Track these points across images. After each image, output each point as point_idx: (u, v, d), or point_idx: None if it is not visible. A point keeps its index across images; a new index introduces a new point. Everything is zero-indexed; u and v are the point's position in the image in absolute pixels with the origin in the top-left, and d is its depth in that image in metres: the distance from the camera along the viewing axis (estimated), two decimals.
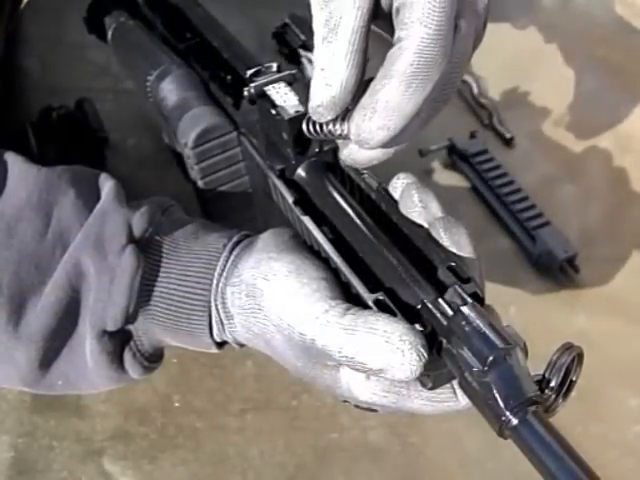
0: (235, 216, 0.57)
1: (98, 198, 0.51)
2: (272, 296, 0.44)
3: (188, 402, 0.66)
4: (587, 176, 0.87)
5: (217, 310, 0.48)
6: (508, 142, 0.89)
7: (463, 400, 0.42)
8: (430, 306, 0.41)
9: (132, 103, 0.82)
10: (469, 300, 0.40)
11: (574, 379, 0.38)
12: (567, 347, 0.38)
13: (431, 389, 0.42)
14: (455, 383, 0.42)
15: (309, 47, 0.88)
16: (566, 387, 0.38)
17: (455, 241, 0.43)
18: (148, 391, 0.66)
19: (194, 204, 0.58)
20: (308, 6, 0.45)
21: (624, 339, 0.74)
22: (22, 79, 0.83)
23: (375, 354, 0.40)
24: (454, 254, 0.43)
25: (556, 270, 0.79)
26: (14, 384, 0.51)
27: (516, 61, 0.93)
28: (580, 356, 0.38)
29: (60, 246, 0.49)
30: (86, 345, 0.49)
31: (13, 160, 0.52)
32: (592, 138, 0.91)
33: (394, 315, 0.41)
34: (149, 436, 0.65)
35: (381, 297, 0.42)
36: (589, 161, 0.89)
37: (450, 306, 0.40)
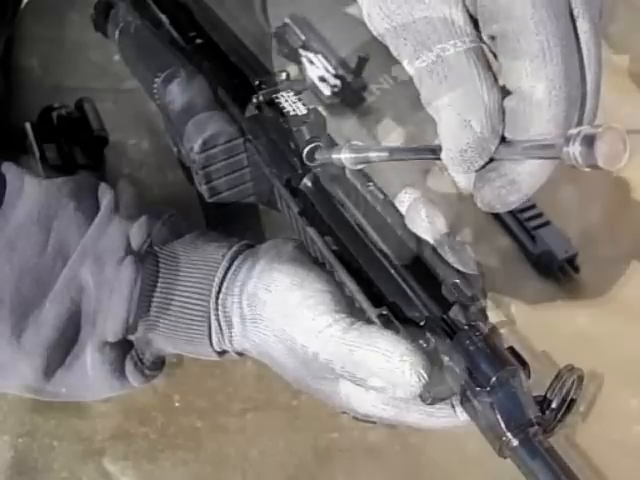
0: (237, 222, 0.57)
1: (98, 209, 0.51)
2: (274, 307, 0.44)
3: (188, 402, 0.66)
4: (587, 176, 0.87)
5: (217, 319, 0.48)
6: None
7: (462, 416, 0.43)
8: (434, 323, 0.41)
9: (132, 103, 0.82)
10: (473, 319, 0.40)
11: (574, 399, 0.39)
12: (568, 369, 0.39)
13: (430, 404, 0.42)
14: (454, 399, 0.42)
15: (309, 47, 0.88)
16: (566, 408, 0.39)
17: (460, 258, 0.43)
18: (148, 391, 0.66)
19: (195, 206, 0.58)
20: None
21: (624, 339, 0.74)
22: (22, 79, 0.83)
23: (376, 372, 0.41)
24: (458, 271, 0.43)
25: (556, 270, 0.79)
26: (20, 391, 0.51)
27: None
28: (581, 378, 0.39)
29: (60, 260, 0.49)
30: (87, 356, 0.49)
31: (14, 173, 0.52)
32: None
33: (397, 330, 0.41)
34: (149, 436, 0.65)
35: (385, 312, 0.42)
36: None
37: (454, 324, 0.40)
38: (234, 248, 0.49)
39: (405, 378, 0.40)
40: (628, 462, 0.67)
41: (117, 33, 0.65)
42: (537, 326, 0.73)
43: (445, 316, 0.41)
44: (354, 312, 0.44)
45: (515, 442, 0.37)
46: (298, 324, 0.43)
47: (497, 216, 0.83)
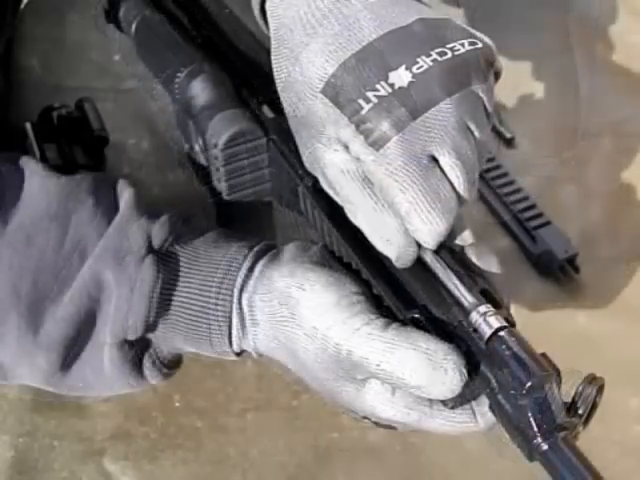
0: (249, 222, 0.57)
1: (116, 206, 0.51)
2: (308, 306, 0.44)
3: (189, 402, 0.66)
4: (587, 176, 0.87)
5: (239, 318, 0.48)
6: (508, 142, 0.89)
7: (482, 422, 0.43)
8: (467, 327, 0.41)
9: (132, 103, 0.82)
10: (506, 325, 0.41)
11: (596, 406, 0.40)
12: (592, 378, 0.40)
13: (452, 408, 0.43)
14: (475, 404, 0.43)
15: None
16: (587, 414, 0.40)
17: (487, 264, 0.45)
18: (148, 391, 0.66)
19: (196, 205, 0.58)
20: None
21: (624, 339, 0.74)
22: (22, 79, 0.83)
23: (416, 370, 0.41)
24: (485, 279, 0.44)
25: (556, 270, 0.79)
26: (38, 384, 0.52)
27: (517, 61, 0.93)
28: (602, 387, 0.40)
29: (78, 255, 0.49)
30: (104, 353, 0.49)
31: (33, 169, 0.52)
32: (592, 138, 0.91)
33: (429, 332, 0.42)
34: (149, 436, 0.65)
35: (417, 315, 0.43)
36: (589, 161, 0.89)
37: (483, 322, 0.41)
38: (256, 248, 0.49)
39: (448, 376, 0.40)
40: (628, 462, 0.67)
41: (134, 27, 0.64)
42: (537, 326, 0.73)
43: (478, 321, 0.41)
44: (381, 314, 0.44)
45: (545, 446, 0.38)
46: (333, 323, 0.43)
47: (497, 216, 0.83)
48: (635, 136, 0.91)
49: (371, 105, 0.43)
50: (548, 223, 0.81)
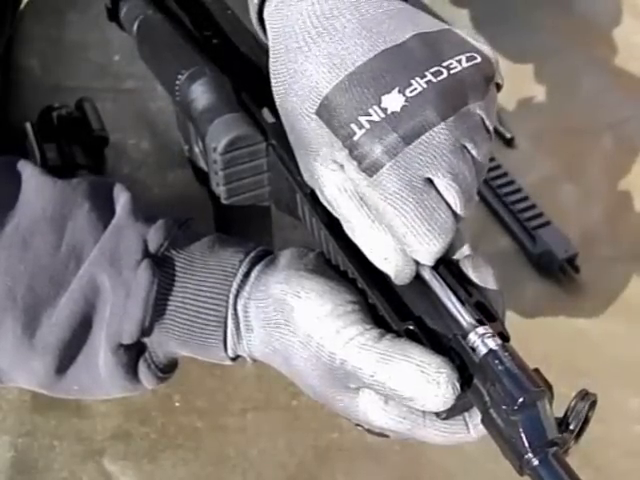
0: (249, 225, 0.57)
1: (112, 210, 0.51)
2: (303, 313, 0.44)
3: (188, 402, 0.66)
4: (587, 176, 0.87)
5: (235, 324, 0.48)
6: (508, 142, 0.89)
7: (474, 433, 0.43)
8: (463, 341, 0.41)
9: (132, 103, 0.82)
10: (499, 341, 0.41)
11: (588, 421, 0.40)
12: (584, 394, 0.40)
13: (444, 419, 0.43)
14: (467, 415, 0.43)
15: None
16: (579, 430, 0.40)
17: (482, 278, 0.44)
18: (148, 391, 0.66)
19: (195, 206, 0.58)
20: None
21: (624, 339, 0.74)
22: (22, 79, 0.83)
23: (409, 383, 0.41)
24: (480, 292, 0.44)
25: (556, 270, 0.79)
26: (33, 387, 0.52)
27: (517, 61, 0.93)
28: (594, 403, 0.40)
29: (74, 259, 0.49)
30: (100, 357, 0.49)
31: (30, 172, 0.52)
32: (592, 138, 0.91)
33: (423, 344, 0.42)
34: (149, 436, 0.65)
35: (411, 327, 0.43)
36: (589, 161, 0.89)
37: (481, 343, 0.41)
38: (252, 254, 0.49)
39: (440, 389, 0.40)
40: (628, 462, 0.67)
41: (136, 26, 0.64)
42: (537, 326, 0.73)
43: (471, 335, 0.41)
44: (377, 323, 0.44)
45: (535, 462, 0.38)
46: (327, 331, 0.43)
47: (497, 216, 0.83)
48: (635, 136, 0.91)
49: (364, 131, 0.42)
50: (548, 223, 0.81)
